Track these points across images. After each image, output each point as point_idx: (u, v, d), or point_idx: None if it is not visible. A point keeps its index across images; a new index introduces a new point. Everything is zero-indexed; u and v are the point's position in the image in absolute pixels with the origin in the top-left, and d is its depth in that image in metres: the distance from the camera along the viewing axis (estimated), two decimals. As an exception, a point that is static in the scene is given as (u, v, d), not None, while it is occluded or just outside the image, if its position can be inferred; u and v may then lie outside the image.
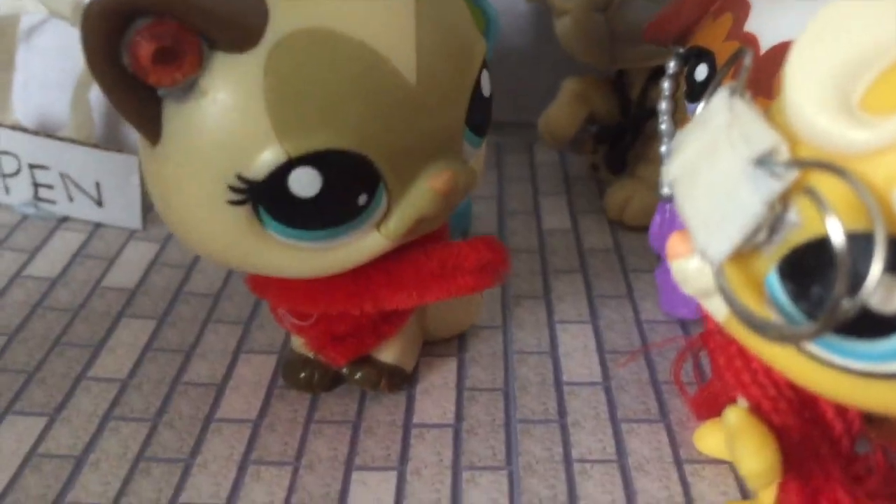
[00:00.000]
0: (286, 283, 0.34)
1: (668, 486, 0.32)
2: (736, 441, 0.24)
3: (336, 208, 0.29)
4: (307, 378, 0.37)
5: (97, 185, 0.47)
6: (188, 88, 0.28)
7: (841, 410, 0.26)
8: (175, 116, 0.28)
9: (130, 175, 0.47)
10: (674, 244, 0.25)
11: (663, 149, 0.38)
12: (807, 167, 0.22)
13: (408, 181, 0.30)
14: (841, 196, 0.21)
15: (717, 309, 0.25)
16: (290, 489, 0.33)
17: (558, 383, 0.37)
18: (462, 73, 0.31)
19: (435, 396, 0.37)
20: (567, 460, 0.34)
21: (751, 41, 0.32)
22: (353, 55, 0.28)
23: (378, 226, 0.31)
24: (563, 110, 0.51)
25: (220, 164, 0.28)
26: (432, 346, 0.40)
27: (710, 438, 0.33)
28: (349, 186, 0.29)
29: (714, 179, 0.23)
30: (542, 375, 0.38)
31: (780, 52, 0.31)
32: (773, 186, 0.22)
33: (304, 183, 0.28)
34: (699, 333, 0.34)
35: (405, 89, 0.29)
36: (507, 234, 0.49)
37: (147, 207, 0.48)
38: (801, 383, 0.24)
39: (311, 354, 0.37)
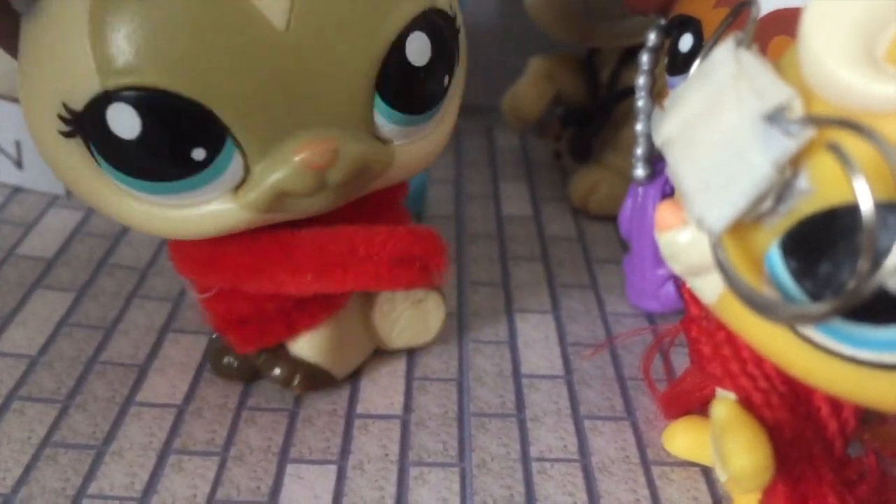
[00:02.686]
0: (181, 247, 0.30)
1: (634, 490, 0.29)
2: (725, 436, 0.21)
3: (162, 158, 0.25)
4: (227, 365, 0.33)
5: (17, 144, 0.43)
6: (31, 2, 0.25)
7: (836, 408, 0.24)
8: (24, 32, 0.26)
9: (55, 135, 0.43)
10: (664, 214, 0.22)
11: (639, 127, 0.36)
12: (825, 125, 0.19)
13: (271, 144, 0.26)
14: (861, 160, 0.19)
15: (708, 289, 0.22)
16: (216, 482, 0.29)
17: (517, 375, 0.34)
18: (366, 28, 0.26)
19: (382, 385, 0.34)
20: (525, 458, 0.30)
21: (745, 12, 0.30)
22: None
23: (236, 191, 0.27)
24: (528, 89, 0.48)
25: (52, 88, 0.25)
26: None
27: (679, 439, 0.30)
28: (178, 136, 0.25)
29: (717, 137, 0.20)
30: (500, 366, 0.35)
31: (777, 19, 0.28)
32: (785, 145, 0.19)
33: (122, 122, 0.24)
34: (677, 322, 0.31)
35: (268, 34, 0.25)
36: (465, 219, 0.46)
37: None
38: (799, 375, 0.21)
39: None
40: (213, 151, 0.25)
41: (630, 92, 0.45)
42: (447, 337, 0.36)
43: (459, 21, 0.30)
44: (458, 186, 0.49)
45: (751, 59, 0.20)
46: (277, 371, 0.32)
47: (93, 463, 0.29)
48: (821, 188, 0.19)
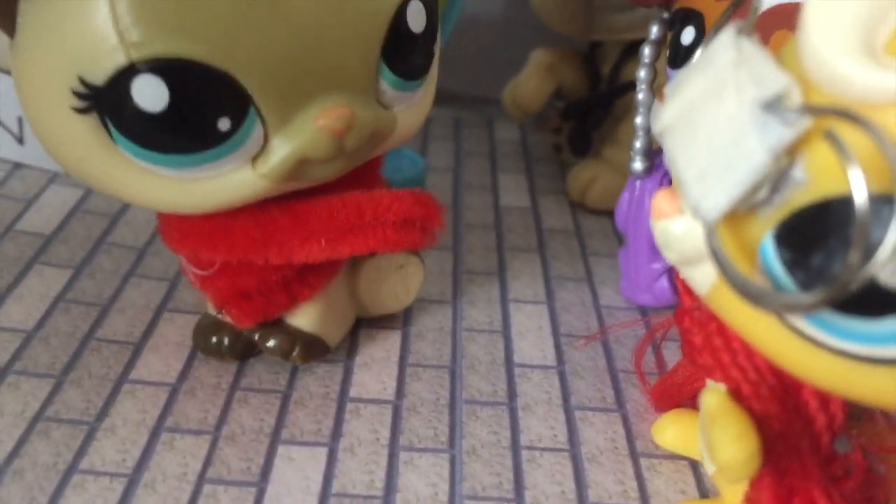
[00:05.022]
0: (184, 223, 0.30)
1: (622, 481, 0.30)
2: (714, 426, 0.21)
3: (189, 130, 0.25)
4: (217, 343, 0.33)
5: (19, 120, 0.43)
6: None
7: (824, 403, 0.24)
8: (26, 6, 0.25)
9: (57, 113, 0.43)
10: (660, 202, 0.22)
11: (639, 120, 0.36)
12: (822, 114, 0.19)
13: (291, 113, 0.26)
14: (858, 151, 0.19)
15: (701, 279, 0.22)
16: (207, 461, 0.29)
17: (509, 364, 0.35)
18: None
19: (375, 370, 0.34)
20: (515, 446, 0.31)
21: (747, 2, 0.30)
22: None
23: (254, 161, 0.27)
24: (530, 81, 0.48)
25: (63, 64, 0.24)
26: (373, 319, 0.36)
27: (669, 431, 0.30)
28: (205, 106, 0.25)
29: (715, 125, 0.20)
30: (493, 355, 0.35)
31: (779, 13, 0.29)
32: (782, 134, 0.19)
33: (149, 95, 0.24)
34: (669, 315, 0.31)
35: (288, 2, 0.25)
36: (462, 209, 0.46)
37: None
38: (789, 367, 0.21)
39: (222, 316, 0.33)
40: (238, 121, 0.26)
41: (631, 86, 0.45)
42: (441, 324, 0.37)
43: None
44: (456, 176, 0.49)
45: (751, 47, 0.20)
46: (276, 343, 0.32)
47: (85, 438, 0.29)
48: (816, 179, 0.19)
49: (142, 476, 0.28)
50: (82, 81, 0.24)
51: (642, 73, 0.35)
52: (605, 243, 0.44)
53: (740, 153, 0.19)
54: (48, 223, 0.41)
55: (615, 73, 0.46)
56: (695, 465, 0.30)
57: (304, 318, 0.33)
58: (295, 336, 0.33)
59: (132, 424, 0.30)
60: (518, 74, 0.49)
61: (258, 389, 0.32)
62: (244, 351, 0.34)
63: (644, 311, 0.38)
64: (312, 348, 0.33)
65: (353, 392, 0.33)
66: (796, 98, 0.19)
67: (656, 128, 0.22)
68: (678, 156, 0.21)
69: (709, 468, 0.28)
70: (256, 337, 0.33)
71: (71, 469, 0.28)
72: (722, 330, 0.24)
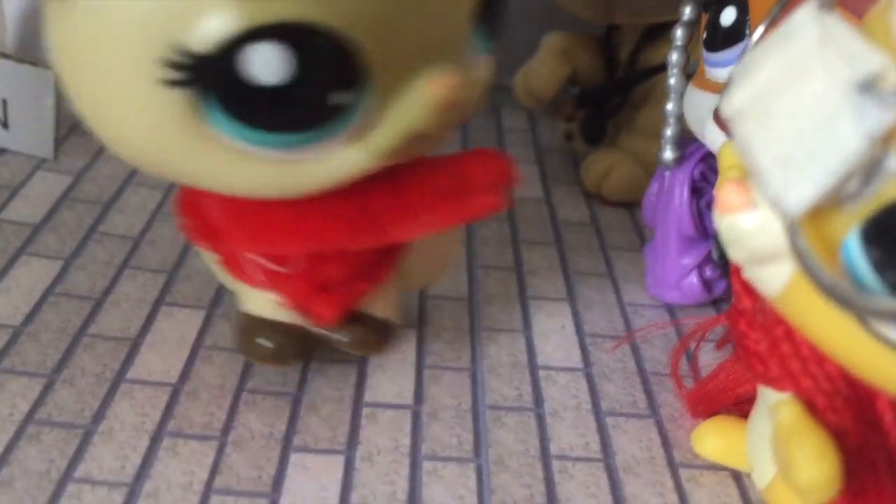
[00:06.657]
0: (264, 214, 0.26)
1: (662, 493, 0.28)
2: (791, 444, 0.19)
3: (308, 104, 0.22)
4: (261, 346, 0.29)
5: (3, 102, 0.40)
6: None
7: (899, 414, 0.22)
8: None
9: (44, 94, 0.40)
10: (727, 195, 0.20)
11: (670, 106, 0.34)
12: (926, 99, 0.17)
13: (400, 84, 0.23)
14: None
15: (773, 279, 0.20)
16: (214, 468, 0.27)
17: (533, 366, 0.32)
18: None
19: (390, 372, 0.32)
20: (545, 456, 0.29)
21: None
22: None
23: (360, 138, 0.24)
24: (543, 67, 0.46)
25: (152, 28, 0.21)
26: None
27: (710, 441, 0.29)
28: (327, 77, 0.22)
29: (799, 108, 0.18)
30: (514, 356, 0.33)
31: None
32: (881, 118, 0.17)
33: (269, 65, 0.21)
34: (704, 317, 0.30)
35: None
36: (473, 200, 0.43)
37: (61, 134, 0.42)
38: (869, 375, 0.20)
39: (274, 316, 0.29)
40: (355, 95, 0.22)
41: (651, 72, 0.43)
42: (458, 323, 0.34)
43: None
44: (465, 166, 0.47)
45: (837, 24, 0.18)
46: (355, 335, 0.30)
47: (80, 443, 0.27)
48: (913, 170, 0.17)
49: (143, 485, 0.26)
50: (179, 49, 0.21)
51: (674, 57, 0.33)
52: (624, 236, 0.42)
53: (832, 139, 0.17)
54: (36, 211, 0.38)
55: (633, 58, 0.44)
56: (738, 477, 0.28)
57: (377, 303, 0.30)
58: (374, 327, 0.30)
59: (131, 428, 0.28)
60: (530, 60, 0.47)
61: (266, 392, 0.30)
62: (288, 354, 0.30)
63: (671, 308, 0.36)
64: (387, 334, 0.31)
65: (368, 396, 0.30)
66: (894, 79, 0.17)
67: (725, 112, 0.20)
68: (754, 142, 0.19)
69: (758, 482, 0.26)
70: (331, 332, 0.30)
71: (65, 478, 0.26)
72: (790, 335, 0.22)
